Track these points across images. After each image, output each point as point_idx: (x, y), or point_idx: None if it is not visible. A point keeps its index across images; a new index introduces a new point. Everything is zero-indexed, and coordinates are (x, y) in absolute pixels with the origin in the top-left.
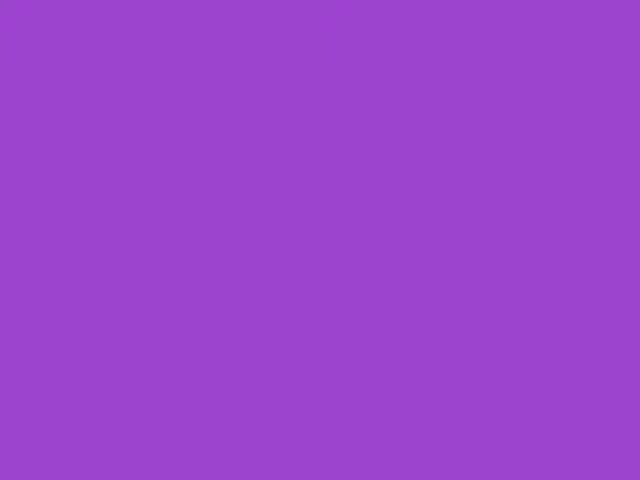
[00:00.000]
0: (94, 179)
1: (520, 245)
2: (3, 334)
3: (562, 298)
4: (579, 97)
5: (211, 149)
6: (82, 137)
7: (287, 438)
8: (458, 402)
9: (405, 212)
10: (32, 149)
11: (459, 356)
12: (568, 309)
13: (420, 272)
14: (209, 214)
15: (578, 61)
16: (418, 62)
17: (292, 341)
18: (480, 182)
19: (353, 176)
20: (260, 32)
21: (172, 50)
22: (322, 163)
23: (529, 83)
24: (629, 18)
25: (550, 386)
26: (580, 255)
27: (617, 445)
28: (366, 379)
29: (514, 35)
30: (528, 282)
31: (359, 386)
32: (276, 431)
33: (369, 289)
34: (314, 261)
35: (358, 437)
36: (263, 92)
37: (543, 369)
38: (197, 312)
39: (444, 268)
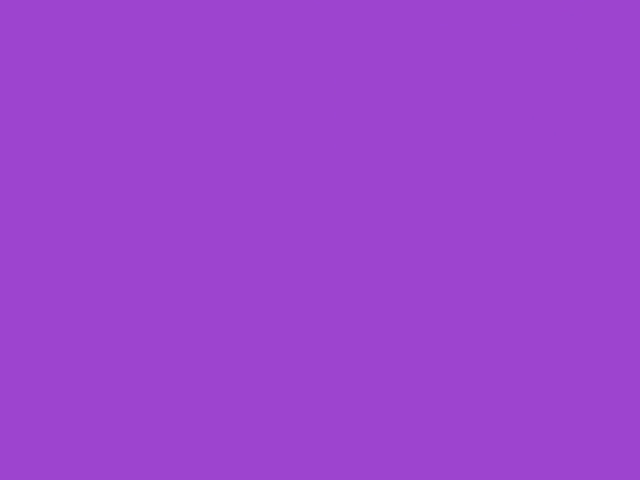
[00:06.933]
0: (94, 179)
1: (520, 245)
2: (3, 334)
3: (562, 298)
4: (579, 97)
5: (211, 149)
6: (82, 137)
7: (287, 438)
8: (458, 402)
9: (405, 212)
10: (32, 149)
11: (459, 356)
12: (568, 309)
13: (420, 272)
14: (209, 214)
15: (578, 61)
16: (418, 63)
17: (292, 341)
18: (480, 182)
19: (353, 176)
20: (260, 32)
21: (172, 50)
22: (322, 163)
23: (529, 83)
24: (629, 18)
25: (550, 386)
26: (580, 255)
27: (617, 445)
28: (366, 379)
29: (514, 35)
30: (528, 282)
31: (359, 386)
32: (276, 431)
33: (369, 289)
34: (314, 261)
35: (358, 437)
36: (263, 92)
37: (543, 369)
38: (197, 312)
39: (444, 268)
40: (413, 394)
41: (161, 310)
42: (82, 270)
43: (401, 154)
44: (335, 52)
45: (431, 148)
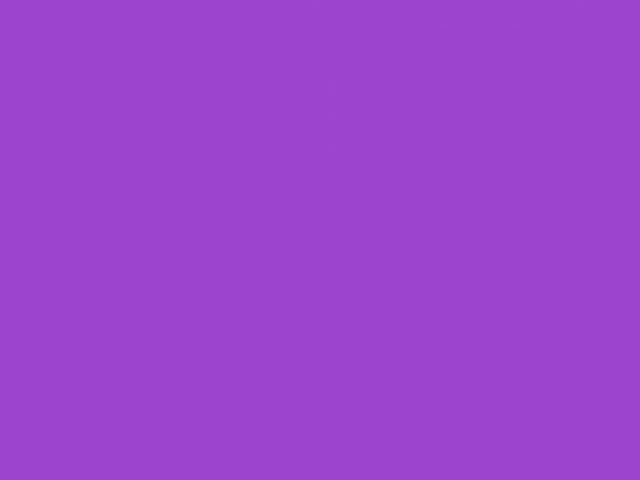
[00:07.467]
0: (94, 179)
1: (520, 245)
2: (3, 334)
3: (562, 298)
4: (579, 97)
5: (211, 149)
6: (82, 137)
7: (287, 438)
8: (458, 402)
9: (405, 212)
10: (32, 149)
11: (459, 356)
12: (568, 309)
13: (420, 272)
14: (209, 214)
15: (578, 61)
16: (418, 63)
17: (292, 341)
18: (480, 182)
19: (353, 176)
20: (260, 32)
21: (172, 50)
22: (322, 163)
23: (529, 83)
24: (629, 18)
25: (550, 386)
26: (580, 255)
27: (617, 445)
28: (366, 379)
29: (514, 35)
30: (528, 282)
31: (359, 386)
32: (276, 431)
33: (369, 289)
34: (314, 261)
35: (358, 437)
36: (263, 92)
37: (543, 369)
38: (197, 312)
39: (444, 268)
40: (413, 394)
41: (161, 310)
42: (82, 270)
43: (401, 154)
44: (335, 52)
45: (431, 148)
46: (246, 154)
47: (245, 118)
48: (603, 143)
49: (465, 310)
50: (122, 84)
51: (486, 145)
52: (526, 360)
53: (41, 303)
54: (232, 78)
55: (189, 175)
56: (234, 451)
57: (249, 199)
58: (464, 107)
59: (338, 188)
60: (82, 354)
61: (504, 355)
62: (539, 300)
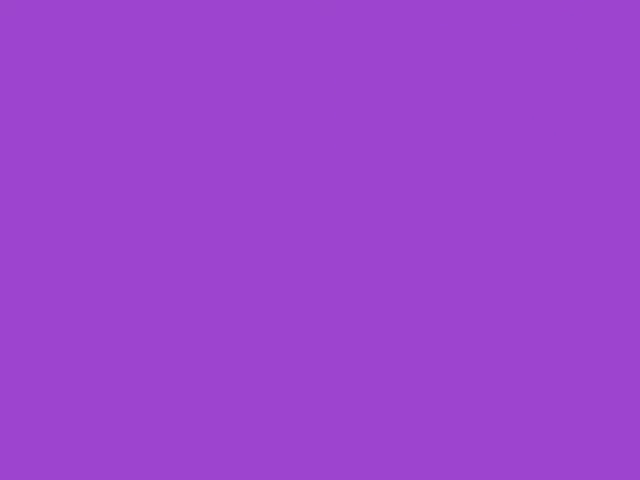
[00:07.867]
0: (94, 179)
1: (520, 245)
2: (3, 334)
3: (562, 298)
4: (579, 97)
5: (211, 149)
6: (82, 137)
7: (287, 438)
8: (458, 402)
9: (405, 212)
10: (32, 149)
11: (459, 356)
12: (568, 309)
13: (420, 272)
14: (209, 214)
15: (578, 61)
16: (418, 63)
17: (292, 341)
18: (480, 182)
19: (353, 177)
20: (260, 32)
21: (172, 50)
22: (322, 164)
23: (529, 83)
24: (629, 18)
25: (550, 386)
26: (580, 255)
27: (617, 445)
28: (366, 379)
29: (514, 35)
30: (528, 282)
31: (359, 386)
32: (276, 431)
33: (369, 289)
34: (314, 261)
35: (358, 437)
36: (263, 92)
37: (543, 369)
38: (197, 312)
39: (444, 268)
40: (413, 394)
41: (161, 310)
42: (82, 270)
43: (401, 155)
44: (335, 52)
45: (431, 148)
46: (246, 154)
47: (245, 118)
48: (603, 143)
49: (465, 310)
50: (122, 84)
51: (486, 145)
52: (526, 360)
53: (41, 303)
54: (232, 78)
55: (188, 174)
56: (234, 451)
57: (248, 199)
58: (464, 107)
59: (338, 188)
60: (82, 353)
61: (504, 355)
62: (539, 300)
